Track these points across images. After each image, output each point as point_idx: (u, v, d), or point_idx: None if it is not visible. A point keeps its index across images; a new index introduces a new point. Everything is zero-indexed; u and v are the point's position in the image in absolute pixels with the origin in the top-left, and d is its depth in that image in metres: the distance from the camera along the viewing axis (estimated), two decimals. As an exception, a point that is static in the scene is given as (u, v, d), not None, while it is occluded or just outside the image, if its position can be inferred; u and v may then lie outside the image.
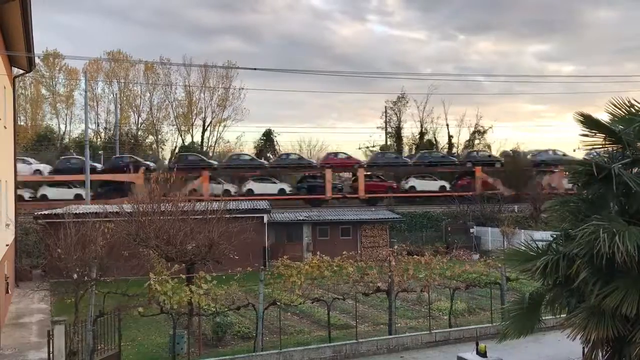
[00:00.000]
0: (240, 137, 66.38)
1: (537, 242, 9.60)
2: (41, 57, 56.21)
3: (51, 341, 12.64)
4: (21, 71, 25.91)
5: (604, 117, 9.12)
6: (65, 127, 63.38)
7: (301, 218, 34.23)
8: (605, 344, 8.50)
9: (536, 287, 10.04)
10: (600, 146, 9.10)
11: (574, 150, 47.49)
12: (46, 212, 28.94)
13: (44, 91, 61.88)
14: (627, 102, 8.86)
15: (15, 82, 26.28)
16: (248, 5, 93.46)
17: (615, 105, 8.92)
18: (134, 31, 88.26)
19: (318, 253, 19.55)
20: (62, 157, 46.65)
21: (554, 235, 9.51)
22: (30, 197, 39.89)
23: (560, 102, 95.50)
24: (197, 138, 64.19)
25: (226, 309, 16.07)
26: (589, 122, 8.95)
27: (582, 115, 8.94)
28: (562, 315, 9.42)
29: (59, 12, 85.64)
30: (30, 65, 24.73)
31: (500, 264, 18.79)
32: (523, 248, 9.51)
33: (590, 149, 9.28)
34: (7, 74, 21.48)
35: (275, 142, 62.06)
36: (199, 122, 64.29)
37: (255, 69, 17.83)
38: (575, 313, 8.44)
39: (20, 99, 54.03)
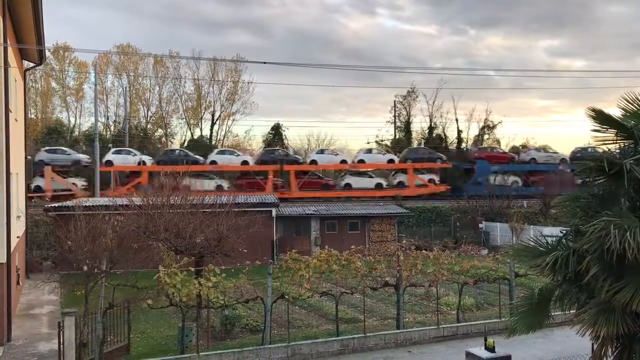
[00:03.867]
0: (248, 131, 66.26)
1: (546, 238, 9.56)
2: (51, 50, 56.44)
3: (61, 332, 12.77)
4: (32, 64, 26.01)
5: (615, 112, 9.06)
6: (75, 120, 63.63)
7: (309, 212, 34.28)
8: (615, 341, 8.46)
9: (545, 283, 10.01)
10: (612, 142, 9.03)
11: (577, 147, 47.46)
12: (56, 204, 29.14)
13: (54, 84, 62.07)
14: (639, 98, 8.78)
15: (26, 75, 26.40)
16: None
17: (627, 101, 8.84)
18: (143, 25, 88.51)
19: (326, 247, 19.59)
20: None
21: (564, 231, 9.47)
22: None
23: (571, 97, 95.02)
24: (206, 132, 64.34)
25: (234, 302, 16.15)
26: (600, 118, 8.88)
27: (593, 110, 8.88)
28: (571, 311, 9.39)
29: (69, 5, 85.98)
30: (40, 58, 24.83)
31: (509, 259, 18.76)
32: (532, 243, 9.47)
33: (602, 144, 9.20)
34: (18, 66, 21.59)
35: (284, 137, 62.02)
36: (207, 115, 64.37)
37: (264, 62, 17.83)
38: (585, 309, 8.40)
39: (30, 92, 54.27)
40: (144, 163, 44.12)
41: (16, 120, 19.76)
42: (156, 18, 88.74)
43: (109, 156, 44.33)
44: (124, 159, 44.29)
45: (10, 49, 17.06)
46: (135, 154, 45.60)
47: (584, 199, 9.16)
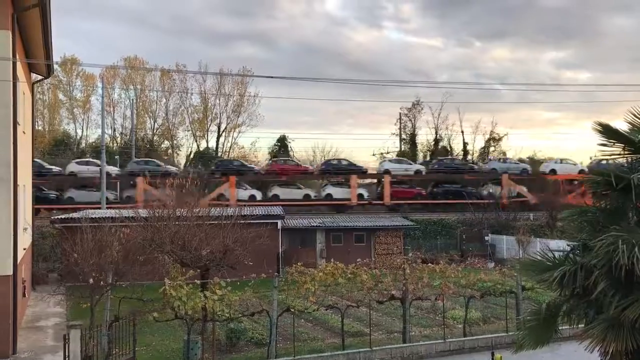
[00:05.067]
0: (254, 142, 66.51)
1: (553, 252, 9.51)
2: (59, 63, 56.88)
3: (67, 345, 12.75)
4: (40, 77, 26.23)
5: (621, 125, 9.04)
6: (82, 132, 64.02)
7: (315, 224, 34.22)
8: (624, 356, 8.38)
9: (553, 298, 9.95)
10: (619, 156, 9.00)
11: (591, 159, 47.98)
12: (63, 216, 29.23)
13: (61, 96, 62.56)
14: (646, 112, 8.76)
15: (33, 87, 26.60)
16: (264, 12, 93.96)
17: (634, 115, 8.83)
18: (150, 37, 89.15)
19: (332, 260, 19.55)
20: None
21: (571, 245, 9.42)
22: None
23: (576, 109, 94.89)
24: (212, 143, 64.58)
25: (240, 315, 16.11)
26: (607, 132, 8.86)
27: (600, 124, 8.86)
28: (579, 326, 9.33)
29: (76, 17, 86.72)
30: (48, 72, 25.03)
31: (516, 272, 18.67)
32: (539, 258, 9.43)
33: (609, 159, 9.18)
34: (26, 80, 21.76)
35: (290, 148, 62.14)
36: (213, 127, 64.64)
37: (271, 77, 17.91)
38: (593, 325, 8.33)
39: (38, 104, 54.67)
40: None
41: (24, 132, 19.89)
42: (163, 30, 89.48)
43: (552, 165, 47.98)
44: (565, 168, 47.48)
45: (18, 63, 17.19)
46: (575, 164, 48.67)
47: (591, 213, 9.12)
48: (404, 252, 33.76)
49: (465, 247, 37.34)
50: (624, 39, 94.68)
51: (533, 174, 47.88)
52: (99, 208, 36.01)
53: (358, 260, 18.85)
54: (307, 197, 43.97)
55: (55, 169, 42.67)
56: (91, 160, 45.53)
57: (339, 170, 45.24)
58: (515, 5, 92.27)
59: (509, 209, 42.14)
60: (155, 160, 47.24)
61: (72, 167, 43.18)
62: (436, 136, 64.64)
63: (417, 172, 46.28)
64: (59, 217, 29.47)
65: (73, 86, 62.27)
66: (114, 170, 43.46)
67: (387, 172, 44.77)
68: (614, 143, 8.90)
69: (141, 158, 49.83)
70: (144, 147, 60.69)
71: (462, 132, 64.65)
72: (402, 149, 63.85)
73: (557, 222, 38.21)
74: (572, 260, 8.95)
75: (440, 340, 17.38)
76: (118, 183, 44.68)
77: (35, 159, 46.31)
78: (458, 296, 19.87)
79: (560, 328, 9.63)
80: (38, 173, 41.03)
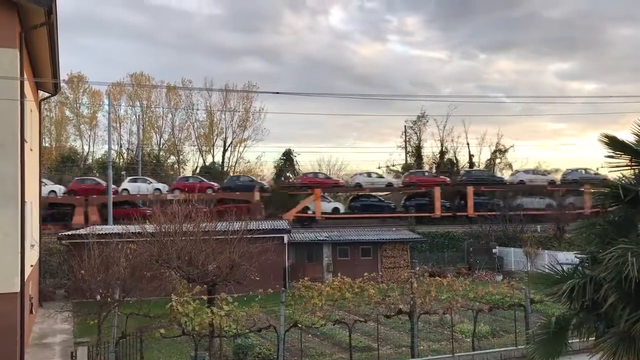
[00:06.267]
0: (260, 157, 66.86)
1: (562, 265, 9.45)
2: (66, 80, 57.35)
3: (74, 362, 12.73)
4: (47, 94, 26.40)
5: (627, 134, 9.01)
6: (89, 148, 64.42)
7: (321, 238, 34.14)
8: (636, 370, 8.28)
9: (562, 311, 9.86)
10: (626, 167, 8.96)
11: (597, 169, 47.54)
12: (70, 232, 29.30)
13: (68, 113, 63.02)
14: (653, 123, 8.74)
15: (41, 104, 26.78)
16: (269, 27, 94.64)
17: (640, 126, 8.80)
18: (156, 53, 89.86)
19: (339, 274, 19.48)
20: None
21: (580, 258, 9.35)
22: None
23: (582, 120, 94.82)
24: (218, 158, 64.79)
25: (247, 331, 16.04)
26: (614, 144, 8.83)
27: (607, 136, 8.83)
28: (590, 339, 9.24)
29: (83, 34, 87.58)
30: (55, 89, 25.20)
31: (525, 285, 18.56)
32: (548, 270, 9.36)
33: (616, 171, 9.14)
34: (34, 97, 21.92)
35: (295, 162, 62.26)
36: (219, 142, 64.91)
37: (277, 92, 18.07)
38: (604, 338, 8.25)
39: (45, 121, 55.02)
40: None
41: (31, 150, 19.99)
42: (169, 46, 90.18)
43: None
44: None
45: (26, 81, 17.33)
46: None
47: (599, 225, 9.06)
48: (411, 265, 33.62)
49: (472, 260, 37.14)
50: (629, 48, 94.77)
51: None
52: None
53: (365, 274, 18.78)
54: None
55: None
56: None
57: None
58: (519, 18, 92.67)
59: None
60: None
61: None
62: (442, 148, 64.60)
63: None
64: (66, 233, 29.54)
65: (80, 103, 62.78)
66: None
67: None
68: (620, 155, 8.86)
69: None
70: (150, 162, 60.92)
71: (468, 144, 64.63)
72: (408, 162, 63.84)
73: (564, 234, 38.02)
74: (581, 273, 8.89)
75: (449, 354, 17.24)
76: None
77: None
78: (466, 310, 19.73)
79: (570, 341, 9.55)
80: (491, 181, 47.70)
